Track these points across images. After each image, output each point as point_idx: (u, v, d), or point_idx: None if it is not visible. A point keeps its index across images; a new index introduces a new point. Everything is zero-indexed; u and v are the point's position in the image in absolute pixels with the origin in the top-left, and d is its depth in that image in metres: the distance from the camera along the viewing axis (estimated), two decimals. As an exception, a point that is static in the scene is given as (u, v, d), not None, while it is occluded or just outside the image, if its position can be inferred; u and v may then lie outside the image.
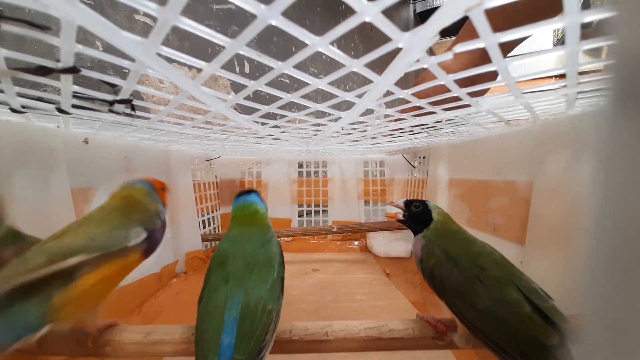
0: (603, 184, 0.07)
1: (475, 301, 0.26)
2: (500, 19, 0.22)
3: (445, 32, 0.19)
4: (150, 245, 0.32)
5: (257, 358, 0.24)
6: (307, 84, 0.27)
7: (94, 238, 0.28)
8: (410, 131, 0.51)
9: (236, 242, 0.33)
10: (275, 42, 1.16)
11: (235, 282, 0.28)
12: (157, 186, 0.37)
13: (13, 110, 0.33)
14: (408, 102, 0.33)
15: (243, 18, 0.99)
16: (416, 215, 0.37)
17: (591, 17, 0.17)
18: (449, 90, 0.30)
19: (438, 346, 0.31)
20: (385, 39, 0.19)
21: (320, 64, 1.42)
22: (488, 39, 0.20)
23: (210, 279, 0.29)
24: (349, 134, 0.52)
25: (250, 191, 0.42)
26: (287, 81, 1.16)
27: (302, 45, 0.20)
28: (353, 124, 0.43)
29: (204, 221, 0.90)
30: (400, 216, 0.39)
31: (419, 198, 0.89)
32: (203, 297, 0.29)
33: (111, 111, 0.33)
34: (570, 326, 0.24)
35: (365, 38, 1.79)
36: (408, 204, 0.38)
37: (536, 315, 0.25)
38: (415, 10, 2.66)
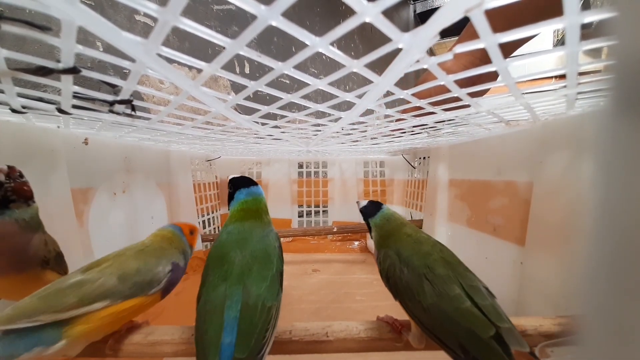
0: (604, 185, 0.07)
1: (422, 298, 0.28)
2: (500, 20, 0.22)
3: (445, 33, 0.19)
4: (169, 283, 0.33)
5: (258, 356, 0.24)
6: (307, 85, 0.27)
7: (124, 279, 0.29)
8: (410, 131, 0.51)
9: (235, 237, 0.32)
10: (276, 43, 1.16)
11: (233, 280, 0.28)
12: (186, 230, 0.40)
13: (13, 111, 0.33)
14: (408, 102, 0.33)
15: (243, 19, 0.99)
16: (366, 224, 0.40)
17: (591, 17, 0.17)
18: (449, 91, 0.30)
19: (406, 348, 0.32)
20: (386, 40, 0.19)
21: (321, 65, 1.42)
22: (488, 40, 0.20)
23: (208, 277, 0.29)
24: (349, 134, 0.52)
25: (249, 181, 0.40)
26: (287, 81, 1.16)
27: (302, 45, 0.20)
28: (353, 124, 0.43)
29: (204, 221, 0.90)
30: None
31: (420, 199, 0.89)
32: (201, 295, 0.28)
33: (111, 111, 0.33)
34: (507, 324, 0.25)
35: (365, 38, 1.79)
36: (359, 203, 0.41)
37: (475, 309, 0.26)
38: (415, 11, 2.66)
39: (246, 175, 1.13)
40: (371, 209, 0.39)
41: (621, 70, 0.07)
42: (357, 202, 0.42)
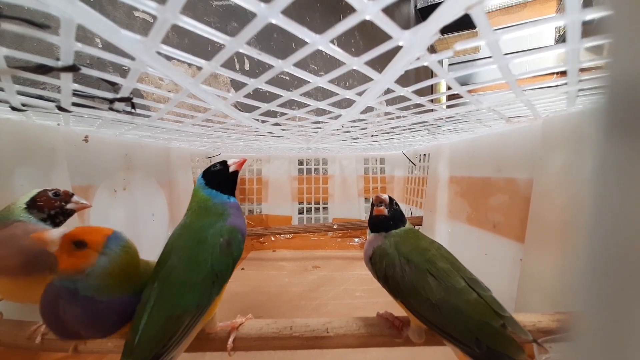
0: (599, 193, 0.07)
1: (430, 294, 0.27)
2: None
3: (446, 29, 0.19)
4: None
5: None
6: (307, 82, 0.27)
7: None
8: (410, 129, 0.51)
9: (179, 233, 0.31)
10: (275, 39, 1.16)
11: (157, 284, 0.27)
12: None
13: (13, 109, 0.33)
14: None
15: (243, 15, 0.98)
16: (394, 216, 0.35)
17: (592, 14, 0.17)
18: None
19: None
20: (386, 37, 0.19)
21: (321, 61, 1.41)
22: (488, 37, 0.20)
23: (152, 275, 0.29)
24: (349, 131, 0.52)
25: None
26: (287, 78, 1.16)
27: (302, 42, 0.20)
28: (353, 121, 0.43)
29: (204, 218, 0.90)
30: (386, 212, 0.35)
31: (420, 196, 0.89)
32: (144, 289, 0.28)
33: (111, 109, 0.33)
34: (508, 314, 0.26)
35: (365, 35, 1.78)
36: (391, 201, 0.35)
37: (482, 300, 0.26)
38: (416, 6, 2.64)
39: (246, 172, 1.12)
40: (397, 218, 0.35)
41: (616, 90, 0.07)
42: (378, 197, 0.36)
